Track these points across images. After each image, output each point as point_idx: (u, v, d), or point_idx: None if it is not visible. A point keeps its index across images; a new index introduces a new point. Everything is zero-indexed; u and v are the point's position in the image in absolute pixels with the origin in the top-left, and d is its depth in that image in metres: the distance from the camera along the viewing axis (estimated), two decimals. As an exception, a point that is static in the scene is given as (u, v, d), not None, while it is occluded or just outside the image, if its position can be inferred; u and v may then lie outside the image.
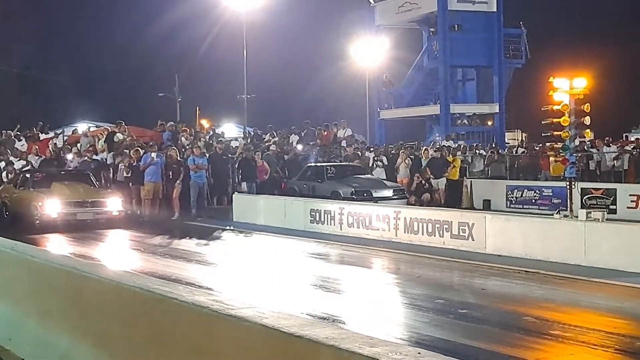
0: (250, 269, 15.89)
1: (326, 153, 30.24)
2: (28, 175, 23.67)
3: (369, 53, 47.11)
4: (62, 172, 24.74)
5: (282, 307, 7.34)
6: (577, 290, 12.69)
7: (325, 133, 33.30)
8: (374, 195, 24.10)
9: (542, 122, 18.51)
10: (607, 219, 15.45)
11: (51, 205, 21.50)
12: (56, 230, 21.12)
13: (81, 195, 22.25)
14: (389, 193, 24.69)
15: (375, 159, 28.96)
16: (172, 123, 31.38)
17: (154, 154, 24.31)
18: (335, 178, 25.68)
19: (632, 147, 30.89)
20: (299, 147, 31.06)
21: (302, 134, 33.08)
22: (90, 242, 19.99)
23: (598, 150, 29.57)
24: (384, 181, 26.26)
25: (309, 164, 27.79)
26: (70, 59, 70.25)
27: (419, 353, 4.36)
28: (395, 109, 51.61)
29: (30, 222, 21.56)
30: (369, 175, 26.81)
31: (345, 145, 31.28)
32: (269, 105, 58.96)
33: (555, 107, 17.93)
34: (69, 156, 27.41)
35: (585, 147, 28.93)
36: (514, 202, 26.21)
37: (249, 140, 32.46)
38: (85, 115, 51.98)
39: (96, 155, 27.00)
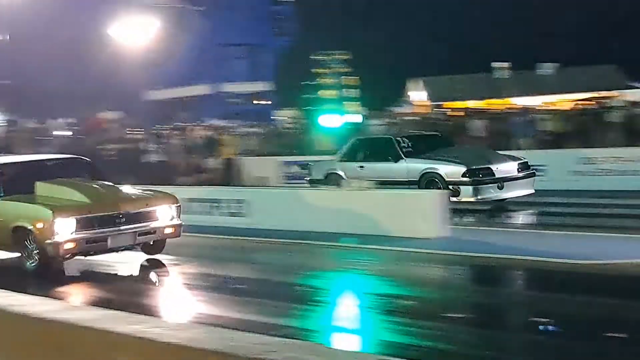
0: None
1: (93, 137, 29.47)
2: None
3: (138, 33, 46.28)
4: None
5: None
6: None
7: (88, 118, 32.55)
8: None
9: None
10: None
11: None
12: None
13: None
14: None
15: (148, 140, 28.62)
16: None
17: None
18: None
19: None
20: (60, 133, 30.12)
21: (67, 119, 32.18)
22: None
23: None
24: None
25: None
26: None
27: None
28: (164, 90, 51.05)
29: None
30: None
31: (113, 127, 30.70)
32: (28, 92, 56.47)
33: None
34: None
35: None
36: (288, 177, 26.54)
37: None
38: None
39: None
